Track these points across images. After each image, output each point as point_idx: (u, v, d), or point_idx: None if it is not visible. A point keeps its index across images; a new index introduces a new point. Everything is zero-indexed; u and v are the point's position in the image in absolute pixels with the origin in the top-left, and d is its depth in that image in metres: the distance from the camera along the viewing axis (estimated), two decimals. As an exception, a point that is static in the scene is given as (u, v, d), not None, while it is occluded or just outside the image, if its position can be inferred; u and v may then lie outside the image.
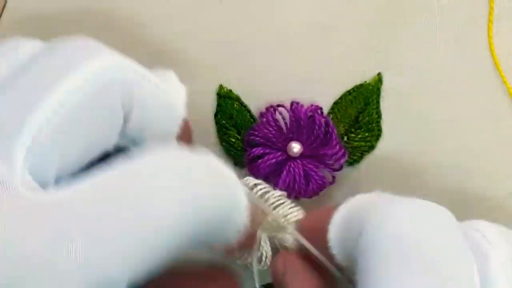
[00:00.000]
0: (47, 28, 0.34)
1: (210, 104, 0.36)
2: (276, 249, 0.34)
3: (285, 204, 0.34)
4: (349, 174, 0.36)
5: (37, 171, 0.21)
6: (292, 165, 0.35)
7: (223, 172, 0.24)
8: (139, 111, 0.24)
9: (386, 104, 0.36)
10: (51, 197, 0.20)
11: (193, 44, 0.35)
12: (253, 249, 0.33)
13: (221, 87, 0.35)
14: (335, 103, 0.36)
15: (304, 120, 0.35)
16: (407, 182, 0.36)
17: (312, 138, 0.35)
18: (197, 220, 0.22)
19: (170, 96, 0.26)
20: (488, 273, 0.24)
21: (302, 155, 0.35)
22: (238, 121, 0.36)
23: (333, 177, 0.36)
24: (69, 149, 0.21)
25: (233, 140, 0.36)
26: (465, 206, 0.36)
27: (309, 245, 0.31)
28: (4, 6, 0.34)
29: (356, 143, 0.36)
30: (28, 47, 0.24)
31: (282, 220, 0.33)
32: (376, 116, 0.36)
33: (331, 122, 0.35)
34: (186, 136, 0.28)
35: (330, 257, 0.29)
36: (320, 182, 0.35)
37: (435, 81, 0.36)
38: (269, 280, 0.37)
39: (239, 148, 0.36)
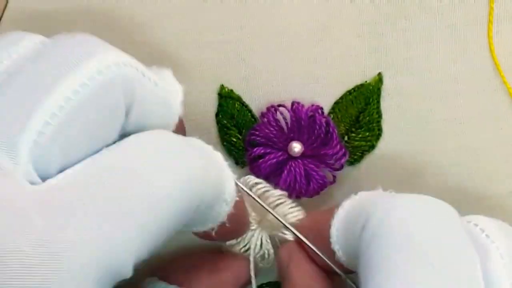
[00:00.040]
0: (48, 27, 0.34)
1: (211, 104, 0.36)
2: (277, 247, 0.34)
3: (285, 203, 0.34)
4: (349, 173, 0.37)
5: (40, 166, 0.21)
6: (293, 165, 0.35)
7: (211, 154, 0.25)
8: (139, 108, 0.24)
9: (387, 104, 0.36)
10: (48, 184, 0.20)
11: (194, 44, 0.35)
12: (245, 238, 0.34)
13: (222, 87, 0.35)
14: (336, 103, 0.36)
15: (305, 120, 0.35)
16: (407, 182, 0.36)
17: (313, 138, 0.35)
18: (189, 197, 0.23)
19: (168, 94, 0.26)
20: (488, 267, 0.24)
21: (303, 155, 0.35)
22: (239, 121, 0.36)
23: (334, 176, 0.36)
24: (72, 144, 0.21)
25: (234, 140, 0.36)
26: (465, 205, 0.35)
27: (309, 243, 0.31)
28: (6, 5, 0.34)
29: (356, 143, 0.36)
30: (29, 40, 0.24)
31: (282, 219, 0.33)
32: (377, 116, 0.36)
33: (331, 122, 0.35)
34: (180, 133, 0.28)
35: (330, 254, 0.29)
36: (321, 181, 0.35)
37: (435, 81, 0.36)
38: (269, 279, 0.38)
39: (240, 148, 0.36)
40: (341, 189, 0.36)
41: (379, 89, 0.36)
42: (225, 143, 0.36)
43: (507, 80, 0.36)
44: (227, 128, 0.36)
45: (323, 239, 0.29)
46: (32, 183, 0.20)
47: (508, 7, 0.35)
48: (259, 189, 0.34)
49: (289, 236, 0.33)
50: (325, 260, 0.30)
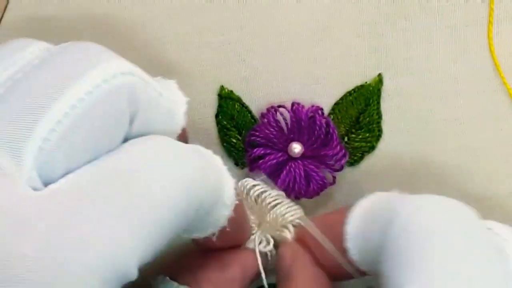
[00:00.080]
0: (48, 29, 0.34)
1: (211, 105, 0.36)
2: (276, 247, 0.34)
3: (282, 203, 0.34)
4: (349, 174, 0.37)
5: (44, 172, 0.21)
6: (293, 166, 0.35)
7: (210, 158, 0.26)
8: (143, 117, 0.24)
9: (387, 104, 0.36)
10: (50, 189, 0.21)
11: (194, 45, 0.35)
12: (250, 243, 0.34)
13: (222, 88, 0.35)
14: (336, 103, 0.36)
15: (305, 121, 0.35)
16: (407, 183, 0.36)
17: (313, 138, 0.35)
18: (189, 200, 0.23)
19: (172, 105, 0.27)
20: (509, 269, 0.24)
21: (303, 156, 0.35)
22: (239, 121, 0.36)
23: (334, 177, 0.36)
24: (77, 151, 0.22)
25: (234, 140, 0.36)
26: (466, 205, 0.36)
27: (325, 239, 0.31)
28: (6, 7, 0.34)
29: (356, 144, 0.36)
30: (35, 47, 0.24)
31: (280, 219, 0.34)
32: (377, 116, 0.36)
33: (331, 123, 0.35)
34: (182, 142, 0.28)
35: (342, 252, 0.29)
36: (320, 182, 0.35)
37: (435, 81, 0.36)
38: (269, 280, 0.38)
39: (240, 149, 0.36)
40: (341, 190, 0.37)
41: (379, 90, 0.36)
42: (225, 144, 0.36)
43: (507, 81, 0.36)
44: (227, 129, 0.36)
45: (334, 239, 0.30)
46: (35, 189, 0.20)
47: (508, 7, 0.35)
48: (256, 191, 0.34)
49: (289, 236, 0.33)
50: (337, 259, 0.30)
